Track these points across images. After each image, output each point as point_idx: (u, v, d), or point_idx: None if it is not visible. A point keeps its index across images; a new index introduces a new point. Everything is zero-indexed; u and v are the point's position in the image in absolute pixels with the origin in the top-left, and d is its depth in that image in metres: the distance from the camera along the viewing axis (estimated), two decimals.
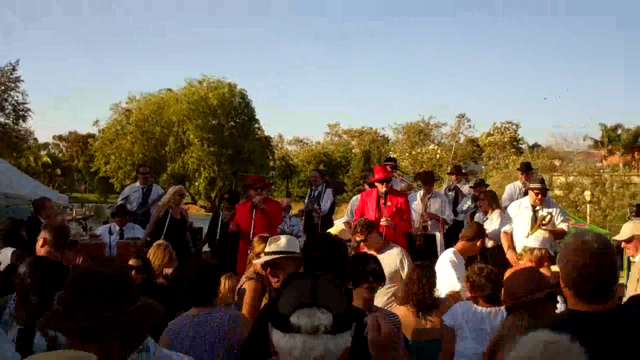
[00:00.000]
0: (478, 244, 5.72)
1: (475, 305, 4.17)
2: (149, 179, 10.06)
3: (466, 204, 9.34)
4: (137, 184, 9.92)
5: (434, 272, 4.73)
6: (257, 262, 4.30)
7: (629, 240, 5.65)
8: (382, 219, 6.85)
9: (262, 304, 4.41)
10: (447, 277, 5.33)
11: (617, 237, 5.79)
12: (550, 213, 7.00)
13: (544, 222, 6.77)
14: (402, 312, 4.39)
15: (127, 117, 42.42)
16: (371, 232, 5.70)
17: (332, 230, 6.13)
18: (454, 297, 5.06)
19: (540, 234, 5.93)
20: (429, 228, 8.37)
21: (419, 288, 4.41)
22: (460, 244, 5.79)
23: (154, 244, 6.17)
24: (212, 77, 43.31)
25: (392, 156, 27.03)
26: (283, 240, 4.16)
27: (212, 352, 3.49)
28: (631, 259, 5.67)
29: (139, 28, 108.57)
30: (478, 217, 8.56)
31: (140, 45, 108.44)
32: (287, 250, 4.07)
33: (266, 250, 4.17)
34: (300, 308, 1.75)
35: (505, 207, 8.13)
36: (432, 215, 8.50)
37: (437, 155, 45.50)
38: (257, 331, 3.22)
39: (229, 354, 3.53)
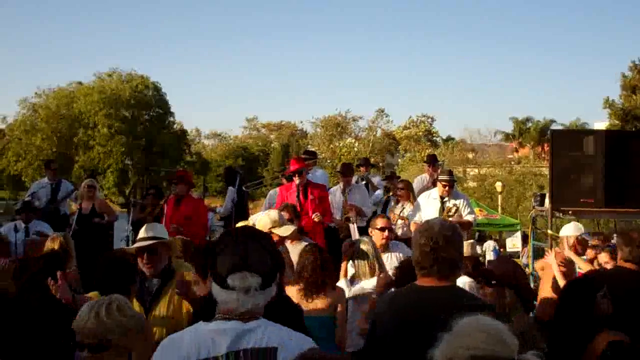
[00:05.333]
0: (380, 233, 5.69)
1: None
2: (57, 175, 9.83)
3: (379, 195, 9.54)
4: (46, 179, 9.66)
5: (329, 258, 4.74)
6: (133, 247, 4.17)
7: None
8: (313, 215, 6.92)
9: None
10: None
11: None
12: (456, 205, 7.19)
13: (449, 213, 6.99)
14: (292, 292, 4.38)
15: (35, 112, 40.66)
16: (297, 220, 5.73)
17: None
18: None
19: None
20: (353, 220, 7.92)
21: (312, 270, 4.47)
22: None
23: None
24: (122, 71, 42.34)
25: (311, 149, 27.16)
26: (157, 226, 4.27)
27: None
28: None
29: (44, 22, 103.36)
30: (391, 206, 8.75)
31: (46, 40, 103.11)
32: (160, 236, 4.07)
33: (140, 237, 4.11)
34: (235, 272, 2.07)
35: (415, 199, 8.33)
36: (353, 206, 8.14)
37: (355, 149, 46.15)
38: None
39: None
